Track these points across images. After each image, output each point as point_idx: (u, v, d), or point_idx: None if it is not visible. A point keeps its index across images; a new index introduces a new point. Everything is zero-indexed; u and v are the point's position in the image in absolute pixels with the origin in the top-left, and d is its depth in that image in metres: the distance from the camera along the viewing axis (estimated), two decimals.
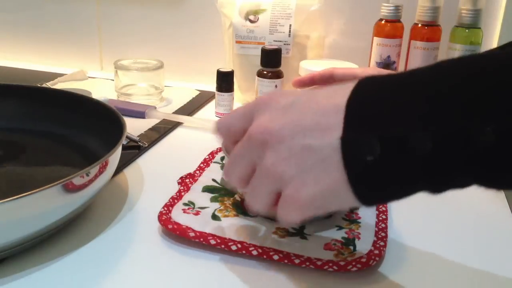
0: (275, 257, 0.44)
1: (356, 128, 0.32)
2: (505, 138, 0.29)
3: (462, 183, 0.32)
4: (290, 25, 0.85)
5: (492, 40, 0.89)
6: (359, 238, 0.48)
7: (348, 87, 0.34)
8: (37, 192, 0.40)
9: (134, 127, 0.74)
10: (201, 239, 0.46)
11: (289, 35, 0.85)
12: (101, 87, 0.95)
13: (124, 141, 0.53)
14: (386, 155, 0.31)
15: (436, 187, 0.32)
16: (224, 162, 0.63)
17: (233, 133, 0.40)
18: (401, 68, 0.87)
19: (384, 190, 0.33)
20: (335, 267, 0.43)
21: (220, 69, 0.82)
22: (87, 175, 0.45)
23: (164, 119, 0.79)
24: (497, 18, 0.87)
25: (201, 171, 0.60)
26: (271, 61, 0.79)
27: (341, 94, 0.34)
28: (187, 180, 0.57)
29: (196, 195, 0.54)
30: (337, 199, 0.34)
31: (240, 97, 0.89)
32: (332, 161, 0.33)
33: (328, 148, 0.33)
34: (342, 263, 0.44)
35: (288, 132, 0.34)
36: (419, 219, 0.54)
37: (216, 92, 0.82)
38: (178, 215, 0.49)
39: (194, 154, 0.66)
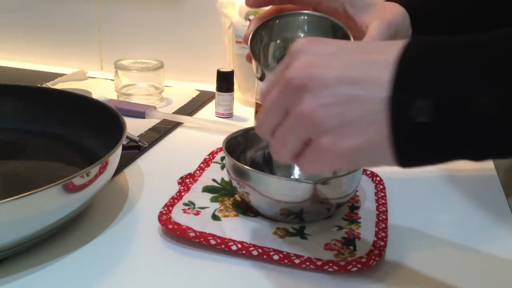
0: (275, 257, 0.44)
1: (407, 86, 0.31)
2: None
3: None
4: None
5: None
6: (359, 238, 0.48)
7: (398, 43, 0.32)
8: (37, 192, 0.40)
9: (134, 127, 0.74)
10: (201, 239, 0.46)
11: None
12: (101, 87, 0.95)
13: (124, 141, 0.53)
14: (440, 118, 0.30)
15: (484, 155, 0.32)
16: (224, 162, 0.63)
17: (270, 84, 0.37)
18: None
19: (428, 154, 0.32)
20: (335, 267, 0.43)
21: (220, 69, 0.82)
22: (87, 175, 0.45)
23: (164, 119, 0.79)
24: None
25: (201, 171, 0.60)
26: None
27: (392, 49, 0.32)
28: (187, 180, 0.57)
29: (196, 195, 0.54)
30: (374, 156, 0.33)
31: (240, 97, 0.89)
32: (378, 117, 0.31)
33: (376, 103, 0.31)
34: (342, 263, 0.44)
35: (333, 79, 0.32)
36: (419, 220, 0.54)
37: (216, 92, 0.82)
38: (178, 215, 0.49)
39: (194, 154, 0.66)
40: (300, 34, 0.58)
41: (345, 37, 0.55)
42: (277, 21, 0.56)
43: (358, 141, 0.32)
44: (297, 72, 0.33)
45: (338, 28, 0.55)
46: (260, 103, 0.57)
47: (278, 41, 0.58)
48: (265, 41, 0.57)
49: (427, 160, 0.32)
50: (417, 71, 0.31)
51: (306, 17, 0.56)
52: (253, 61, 0.54)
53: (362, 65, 0.32)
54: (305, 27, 0.57)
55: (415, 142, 0.31)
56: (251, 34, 0.54)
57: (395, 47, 0.32)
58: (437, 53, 0.31)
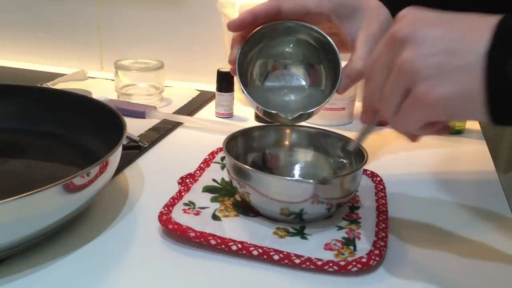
0: (275, 257, 0.44)
1: (505, 45, 0.33)
2: None
3: None
4: None
5: None
6: (359, 238, 0.48)
7: (494, 16, 0.35)
8: (37, 192, 0.40)
9: (134, 127, 0.74)
10: (201, 239, 0.46)
11: None
12: (101, 87, 0.95)
13: (124, 141, 0.53)
14: None
15: None
16: (224, 162, 0.63)
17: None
18: None
19: None
20: (335, 267, 0.43)
21: (220, 69, 0.82)
22: (88, 175, 0.45)
23: (164, 119, 0.79)
24: None
25: (201, 171, 0.60)
26: None
27: (490, 19, 0.35)
28: (187, 180, 0.57)
29: (196, 195, 0.54)
30: (468, 108, 0.35)
31: (240, 97, 0.89)
32: (474, 70, 0.34)
33: (473, 57, 0.34)
34: (342, 263, 0.44)
35: (435, 33, 0.35)
36: (419, 219, 0.54)
37: (216, 92, 0.82)
38: (179, 215, 0.49)
39: (194, 154, 0.66)
40: (285, 49, 0.57)
41: (330, 48, 0.54)
42: (262, 33, 0.54)
43: (453, 90, 0.34)
44: (402, 26, 0.37)
45: (323, 38, 0.54)
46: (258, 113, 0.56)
47: (261, 59, 0.57)
48: (250, 56, 0.56)
49: None
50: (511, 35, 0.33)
51: (291, 27, 0.55)
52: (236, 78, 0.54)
53: (464, 26, 0.35)
54: (290, 40, 0.56)
55: (506, 96, 0.33)
56: (238, 57, 0.53)
57: (493, 17, 0.35)
58: None
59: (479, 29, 0.35)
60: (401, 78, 0.36)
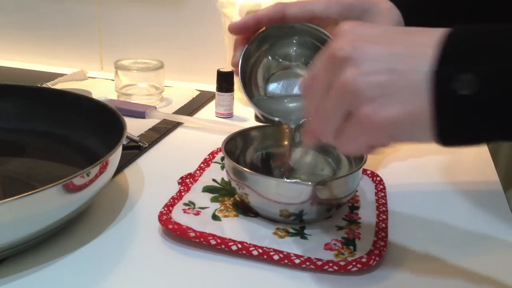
0: (275, 257, 0.44)
1: (451, 60, 0.31)
2: None
3: None
4: None
5: None
6: (359, 238, 0.48)
7: (441, 29, 0.33)
8: (37, 192, 0.40)
9: (134, 127, 0.74)
10: (201, 239, 0.46)
11: None
12: (101, 87, 0.95)
13: (124, 141, 0.53)
14: (484, 91, 0.30)
15: None
16: (224, 162, 0.63)
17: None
18: None
19: (468, 130, 0.32)
20: (335, 267, 0.43)
21: (220, 69, 0.82)
22: (88, 175, 0.45)
23: (164, 119, 0.79)
24: None
25: (201, 171, 0.60)
26: None
27: (436, 32, 0.33)
28: (187, 180, 0.57)
29: (196, 195, 0.54)
30: (414, 130, 0.33)
31: (240, 97, 0.89)
32: (420, 89, 0.31)
33: (418, 75, 0.31)
34: (342, 263, 0.44)
35: (376, 52, 0.33)
36: (419, 219, 0.54)
37: (216, 92, 0.82)
38: (179, 215, 0.49)
39: (194, 154, 0.66)
40: (290, 50, 0.56)
41: None
42: (266, 34, 0.53)
43: (397, 112, 0.32)
44: (342, 45, 0.34)
45: (329, 40, 0.53)
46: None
47: (266, 60, 0.55)
48: (254, 58, 0.55)
49: (466, 137, 0.32)
50: (461, 47, 0.31)
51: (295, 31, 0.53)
52: (239, 81, 0.53)
53: (406, 42, 0.33)
54: (295, 41, 0.55)
55: (457, 115, 0.31)
56: (241, 60, 0.52)
57: (439, 30, 0.33)
58: (480, 34, 0.32)
59: (424, 43, 0.32)
60: (342, 99, 0.34)
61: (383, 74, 0.32)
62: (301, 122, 0.54)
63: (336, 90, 0.34)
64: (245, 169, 0.49)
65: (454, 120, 0.31)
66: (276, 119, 0.53)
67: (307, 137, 0.40)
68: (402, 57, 0.32)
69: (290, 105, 0.56)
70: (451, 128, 0.32)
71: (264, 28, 0.53)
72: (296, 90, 0.56)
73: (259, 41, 0.54)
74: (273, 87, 0.56)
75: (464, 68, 0.30)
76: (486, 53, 0.31)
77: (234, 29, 0.51)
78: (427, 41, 0.32)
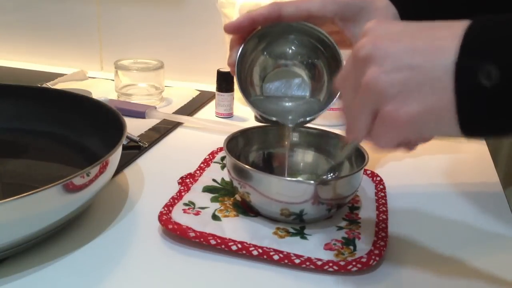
0: (275, 257, 0.44)
1: (474, 52, 0.31)
2: None
3: None
4: None
5: None
6: (359, 238, 0.48)
7: (462, 21, 0.33)
8: (37, 192, 0.40)
9: (134, 127, 0.74)
10: (201, 239, 0.46)
11: None
12: (101, 87, 0.95)
13: (124, 141, 0.53)
14: (507, 81, 0.30)
15: None
16: (224, 162, 0.63)
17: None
18: None
19: (491, 121, 0.32)
20: (335, 267, 0.43)
21: (220, 69, 0.82)
22: (87, 175, 0.45)
23: (164, 119, 0.79)
24: None
25: (201, 171, 0.60)
26: None
27: (457, 25, 0.33)
28: (187, 180, 0.57)
29: (196, 195, 0.54)
30: (438, 123, 0.33)
31: (240, 97, 0.89)
32: (441, 83, 0.32)
33: (440, 69, 0.32)
34: (342, 263, 0.44)
35: (397, 49, 0.34)
36: (419, 219, 0.54)
37: (216, 92, 0.82)
38: (178, 215, 0.49)
39: (194, 154, 0.66)
40: (286, 48, 0.56)
41: (334, 49, 0.53)
42: (262, 33, 0.53)
43: (420, 107, 0.33)
44: (364, 44, 0.35)
45: (325, 39, 0.53)
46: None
47: (262, 59, 0.56)
48: (250, 57, 0.55)
49: (489, 128, 0.33)
50: (482, 40, 0.32)
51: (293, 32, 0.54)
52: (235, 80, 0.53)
53: (427, 37, 0.33)
54: (292, 40, 0.55)
55: (480, 107, 0.31)
56: (237, 60, 0.52)
57: (459, 23, 0.33)
58: (501, 26, 0.32)
59: (445, 37, 0.32)
60: (367, 98, 0.35)
61: (404, 71, 0.33)
62: (299, 121, 0.54)
63: (361, 90, 0.35)
64: (247, 167, 0.49)
65: (478, 111, 0.32)
66: (274, 118, 0.53)
67: (346, 135, 0.41)
68: (423, 52, 0.33)
69: (287, 104, 0.56)
70: (476, 119, 0.32)
71: (259, 28, 0.53)
72: (293, 89, 0.56)
73: (255, 40, 0.54)
74: (269, 86, 0.56)
75: (489, 59, 0.31)
76: (504, 44, 0.31)
77: (230, 29, 0.51)
78: (448, 34, 0.33)
